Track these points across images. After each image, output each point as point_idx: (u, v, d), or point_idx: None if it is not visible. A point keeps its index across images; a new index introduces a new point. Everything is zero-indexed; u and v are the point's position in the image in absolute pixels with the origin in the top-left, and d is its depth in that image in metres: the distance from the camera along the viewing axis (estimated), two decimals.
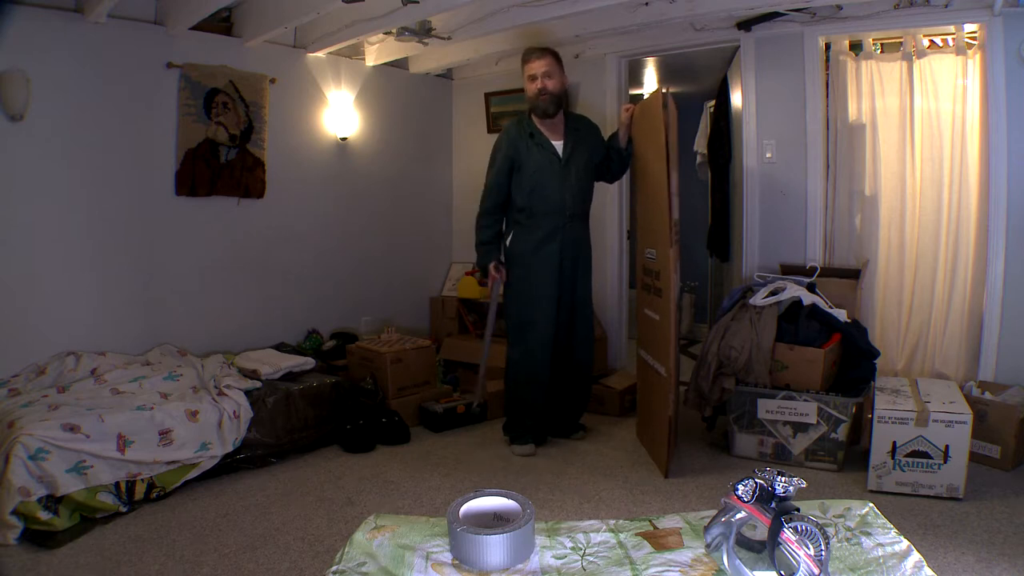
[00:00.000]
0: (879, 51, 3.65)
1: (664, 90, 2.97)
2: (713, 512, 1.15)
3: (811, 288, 3.28)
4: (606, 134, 3.48)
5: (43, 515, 2.40)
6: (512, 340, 3.34)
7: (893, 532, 1.21)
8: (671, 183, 2.95)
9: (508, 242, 3.32)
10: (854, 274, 3.54)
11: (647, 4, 3.59)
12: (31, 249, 3.08)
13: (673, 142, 3.07)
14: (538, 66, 3.19)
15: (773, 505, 1.08)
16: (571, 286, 3.29)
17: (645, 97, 3.35)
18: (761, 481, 1.09)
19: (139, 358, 3.37)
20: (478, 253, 3.35)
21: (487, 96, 4.86)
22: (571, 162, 3.24)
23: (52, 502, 2.43)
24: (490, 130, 4.85)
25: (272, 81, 3.88)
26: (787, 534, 1.04)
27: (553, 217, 3.21)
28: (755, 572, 1.07)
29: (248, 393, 3.13)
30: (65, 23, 3.08)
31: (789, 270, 3.66)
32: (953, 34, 3.43)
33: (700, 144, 5.14)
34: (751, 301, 3.26)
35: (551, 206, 3.20)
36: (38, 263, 3.11)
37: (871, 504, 1.31)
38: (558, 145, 3.25)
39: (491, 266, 3.30)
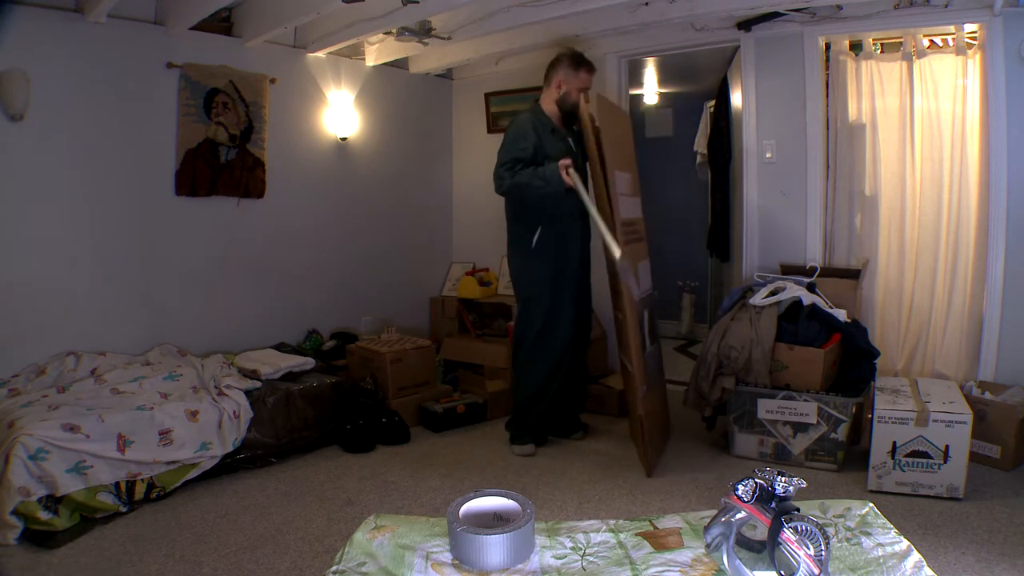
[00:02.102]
0: (879, 51, 3.65)
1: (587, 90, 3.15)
2: (713, 512, 1.15)
3: (811, 288, 3.28)
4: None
5: (43, 515, 2.40)
6: (533, 338, 3.25)
7: (893, 532, 1.21)
8: (609, 185, 2.93)
9: (535, 238, 3.18)
10: (854, 274, 3.54)
11: (647, 4, 3.60)
12: (31, 249, 3.08)
13: (613, 141, 3.08)
14: (591, 81, 3.24)
15: (773, 505, 1.08)
16: (583, 285, 3.29)
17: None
18: (761, 481, 1.09)
19: (139, 358, 3.37)
20: (535, 184, 2.99)
21: (487, 96, 4.85)
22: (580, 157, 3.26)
23: (52, 502, 2.43)
24: (490, 130, 4.85)
25: (272, 81, 3.88)
26: (787, 534, 1.04)
27: (573, 212, 3.15)
28: (755, 572, 1.07)
29: (248, 393, 3.13)
30: (65, 23, 3.08)
31: (789, 270, 3.66)
32: (953, 34, 3.42)
33: (700, 144, 5.14)
34: (751, 301, 3.26)
35: (572, 200, 3.08)
36: (38, 263, 3.11)
37: (871, 504, 1.31)
38: (570, 142, 3.27)
39: (561, 172, 2.95)
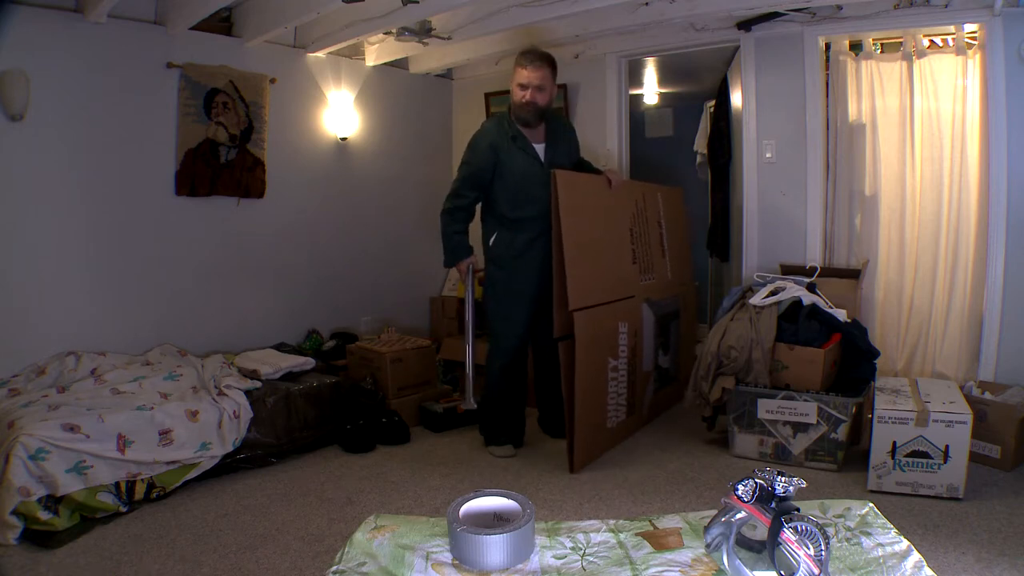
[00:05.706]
0: (879, 51, 3.65)
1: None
2: (713, 512, 1.15)
3: (811, 288, 3.28)
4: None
5: (43, 515, 2.40)
6: (491, 337, 3.31)
7: (893, 532, 1.21)
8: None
9: (491, 243, 3.23)
10: (854, 274, 3.54)
11: (647, 4, 3.59)
12: (31, 249, 3.08)
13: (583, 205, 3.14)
14: (532, 77, 3.01)
15: (773, 505, 1.07)
16: (544, 288, 3.18)
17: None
18: (761, 481, 1.09)
19: (139, 358, 3.37)
20: (448, 246, 3.23)
21: (487, 96, 4.85)
22: (552, 165, 3.12)
23: (52, 502, 2.43)
24: None
25: (272, 81, 3.88)
26: (787, 534, 1.04)
27: (537, 222, 3.10)
28: (755, 572, 1.07)
29: (248, 393, 3.13)
30: (65, 23, 3.08)
31: (789, 270, 3.66)
32: (953, 34, 3.43)
33: (700, 144, 5.14)
34: (751, 301, 3.26)
35: (535, 211, 3.09)
36: (38, 263, 3.11)
37: (871, 504, 1.31)
38: (539, 148, 3.16)
39: (463, 266, 3.25)
